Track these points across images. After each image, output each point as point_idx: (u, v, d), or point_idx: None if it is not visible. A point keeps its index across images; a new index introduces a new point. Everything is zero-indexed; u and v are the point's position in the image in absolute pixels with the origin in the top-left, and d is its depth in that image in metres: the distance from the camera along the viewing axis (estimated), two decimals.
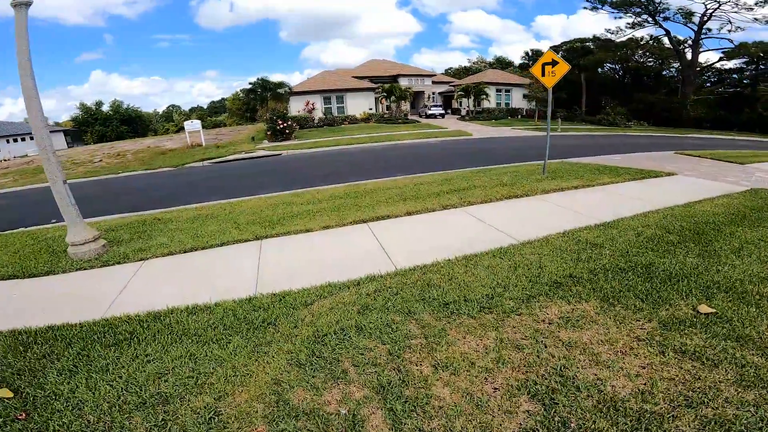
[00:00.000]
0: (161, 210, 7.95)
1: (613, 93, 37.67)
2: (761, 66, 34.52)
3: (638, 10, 34.91)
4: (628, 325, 3.15)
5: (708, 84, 38.21)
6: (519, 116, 37.28)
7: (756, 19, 31.25)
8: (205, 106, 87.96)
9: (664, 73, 40.28)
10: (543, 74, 8.37)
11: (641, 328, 3.11)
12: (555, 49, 45.89)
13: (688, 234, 4.98)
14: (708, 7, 32.47)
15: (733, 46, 33.60)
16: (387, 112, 38.08)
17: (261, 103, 27.89)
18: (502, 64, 66.02)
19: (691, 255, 4.34)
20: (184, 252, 5.43)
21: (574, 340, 2.99)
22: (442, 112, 36.82)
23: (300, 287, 4.08)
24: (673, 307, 3.35)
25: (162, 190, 11.31)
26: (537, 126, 27.72)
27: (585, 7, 37.91)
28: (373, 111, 34.62)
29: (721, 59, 36.13)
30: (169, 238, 5.96)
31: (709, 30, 34.11)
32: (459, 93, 37.73)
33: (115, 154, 25.64)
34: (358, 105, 33.44)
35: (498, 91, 40.37)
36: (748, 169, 11.66)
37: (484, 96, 36.24)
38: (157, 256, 5.37)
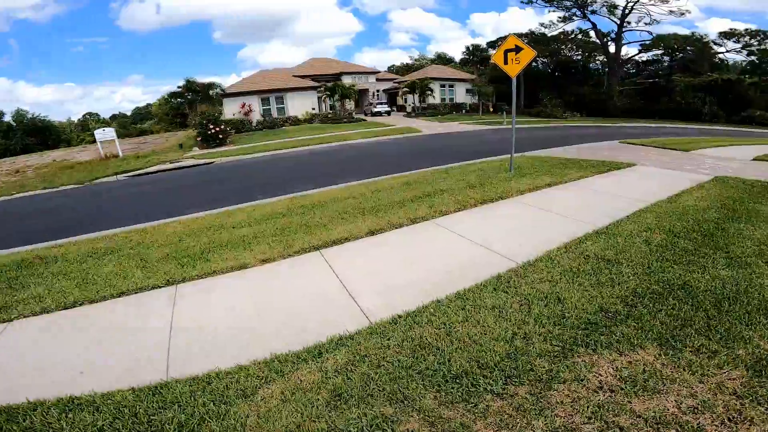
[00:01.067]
0: (47, 244, 6.07)
1: (547, 86, 39.19)
2: (674, 57, 37.63)
3: (568, 3, 36.49)
4: (712, 377, 2.29)
5: (627, 77, 41.00)
6: (463, 111, 37.53)
7: (671, 11, 33.80)
8: (129, 113, 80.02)
9: (590, 66, 42.67)
10: (505, 62, 7.59)
11: (731, 380, 2.27)
12: (491, 44, 47.12)
13: (697, 237, 4.33)
14: (628, 0, 34.66)
15: (651, 38, 36.23)
16: (331, 111, 36.54)
17: (189, 107, 25.11)
18: (443, 60, 66.91)
19: (719, 266, 3.63)
20: (65, 308, 3.87)
21: (657, 413, 2.06)
22: (388, 109, 35.95)
23: (234, 364, 2.78)
24: (749, 344, 2.55)
25: (56, 214, 9.13)
26: (482, 120, 27.80)
27: (522, 0, 39.02)
28: (317, 111, 32.96)
29: (640, 51, 38.93)
30: (47, 288, 4.30)
31: (629, 23, 36.48)
32: (404, 89, 37.11)
33: (14, 170, 21.77)
34: (300, 105, 31.59)
35: (442, 86, 40.41)
36: (693, 155, 11.93)
37: (430, 92, 35.99)
38: (25, 316, 3.78)
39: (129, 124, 62.24)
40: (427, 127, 23.70)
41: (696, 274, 3.48)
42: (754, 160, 11.35)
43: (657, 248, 4.07)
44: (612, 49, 37.85)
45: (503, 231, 4.91)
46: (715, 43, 34.47)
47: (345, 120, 30.13)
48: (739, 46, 33.72)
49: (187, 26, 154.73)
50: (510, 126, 26.33)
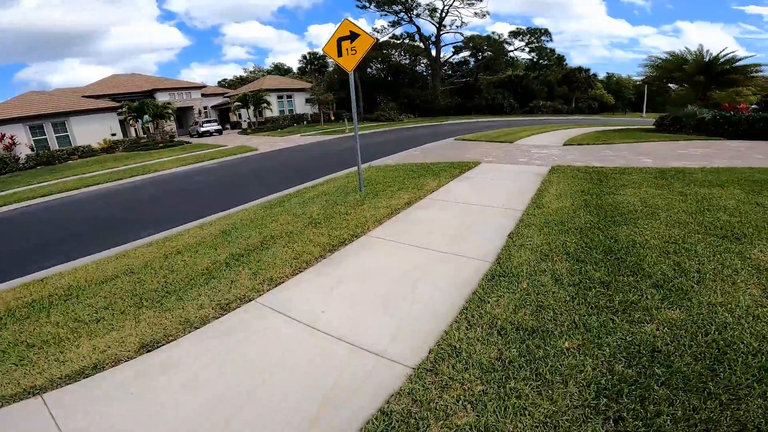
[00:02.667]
0: None
1: (383, 91, 40.74)
2: (478, 58, 43.46)
3: (397, 8, 38.27)
4: None
5: (447, 78, 45.70)
6: (305, 122, 35.82)
7: (476, 13, 38.61)
8: None
9: (417, 69, 46.17)
10: (340, 53, 6.03)
11: None
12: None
13: (601, 259, 3.42)
14: (445, 3, 38.29)
15: (462, 40, 40.92)
16: (144, 135, 30.24)
17: None
18: (280, 71, 64.27)
19: (659, 302, 2.65)
20: None
21: None
22: (218, 127, 31.45)
23: None
24: None
25: None
26: (325, 130, 26.60)
27: (357, 5, 39.56)
28: (119, 137, 26.45)
29: (454, 53, 43.79)
30: None
31: (445, 26, 40.48)
32: (236, 104, 33.14)
33: None
34: (94, 131, 24.68)
35: (279, 97, 37.90)
36: (520, 146, 12.72)
37: (265, 104, 33.08)
38: None
39: None
40: (265, 143, 21.09)
41: (648, 326, 2.37)
42: (565, 145, 12.72)
43: (573, 288, 2.92)
44: (434, 52, 41.48)
45: (369, 302, 3.17)
46: (506, 42, 40.97)
47: (161, 144, 24.88)
48: (523, 44, 40.81)
49: None
50: (353, 133, 25.46)
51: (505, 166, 8.96)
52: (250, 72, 68.35)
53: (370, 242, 4.42)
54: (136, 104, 27.04)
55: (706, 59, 16.03)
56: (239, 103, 32.10)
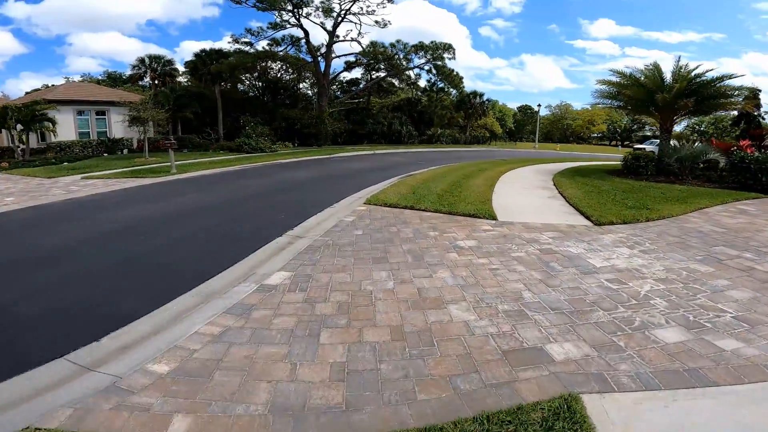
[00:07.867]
0: None
1: (254, 112, 31.18)
2: (371, 78, 36.75)
3: (284, 4, 28.82)
4: None
5: (335, 98, 37.89)
6: (124, 151, 24.08)
7: (376, 21, 31.33)
8: None
9: (301, 86, 37.43)
10: None
11: None
12: (191, 63, 34.05)
13: None
14: (342, 6, 30.31)
15: (356, 53, 33.39)
16: None
17: None
18: (115, 81, 49.15)
19: None
20: None
21: None
22: None
23: None
24: None
25: None
26: (142, 167, 16.23)
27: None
28: None
29: (346, 68, 36.16)
30: None
31: (338, 37, 32.57)
32: None
33: None
34: None
35: (80, 113, 25.31)
36: (521, 236, 5.39)
37: (49, 125, 20.74)
38: None
39: None
40: None
41: None
42: (597, 224, 5.88)
43: None
44: (323, 66, 33.20)
45: None
46: (406, 59, 34.65)
47: None
48: (423, 61, 34.79)
49: None
50: (179, 175, 13.80)
51: None
52: (76, 82, 51.05)
53: None
54: None
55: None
56: None
